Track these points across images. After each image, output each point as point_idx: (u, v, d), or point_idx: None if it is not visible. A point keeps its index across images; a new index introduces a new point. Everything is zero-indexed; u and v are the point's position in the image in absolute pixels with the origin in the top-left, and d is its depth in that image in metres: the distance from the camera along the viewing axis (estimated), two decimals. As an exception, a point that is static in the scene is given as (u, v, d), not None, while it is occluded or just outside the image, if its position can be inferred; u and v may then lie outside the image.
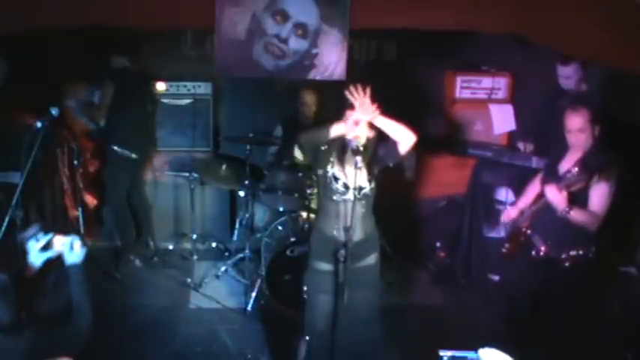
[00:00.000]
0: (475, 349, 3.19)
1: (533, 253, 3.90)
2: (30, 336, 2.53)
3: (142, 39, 5.56)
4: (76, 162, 5.32)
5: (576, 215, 3.64)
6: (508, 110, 5.84)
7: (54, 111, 3.66)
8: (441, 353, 2.69)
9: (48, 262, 2.88)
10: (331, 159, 3.41)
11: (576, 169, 3.63)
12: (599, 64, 4.54)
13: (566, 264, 3.76)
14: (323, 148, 3.39)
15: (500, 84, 5.89)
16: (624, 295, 4.17)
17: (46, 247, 2.86)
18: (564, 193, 3.60)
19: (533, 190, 4.11)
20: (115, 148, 5.38)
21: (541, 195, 3.90)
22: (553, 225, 3.75)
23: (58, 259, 2.87)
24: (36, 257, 2.85)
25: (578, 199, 3.67)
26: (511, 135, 5.87)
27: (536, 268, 3.92)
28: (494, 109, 5.84)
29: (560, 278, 3.82)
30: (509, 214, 4.10)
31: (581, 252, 3.75)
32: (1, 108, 4.99)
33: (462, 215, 5.67)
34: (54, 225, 5.10)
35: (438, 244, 5.88)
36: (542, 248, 3.86)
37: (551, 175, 3.86)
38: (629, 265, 4.23)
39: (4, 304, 2.47)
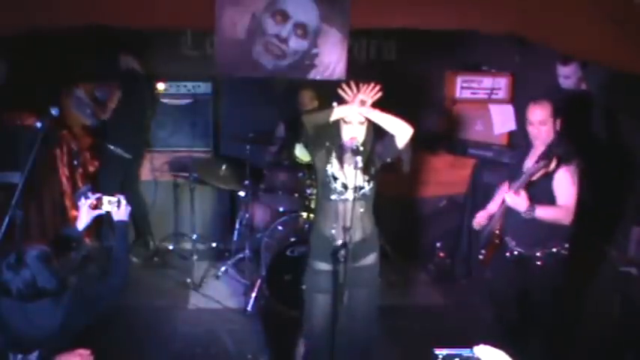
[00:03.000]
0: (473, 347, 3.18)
1: (507, 254, 3.88)
2: (71, 296, 2.76)
3: (142, 39, 5.56)
4: (75, 162, 5.33)
5: (543, 213, 3.61)
6: (508, 110, 5.84)
7: (54, 111, 3.65)
8: (437, 352, 2.68)
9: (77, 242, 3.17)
10: (330, 158, 3.41)
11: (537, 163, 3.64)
12: (598, 64, 4.55)
13: (538, 262, 3.74)
14: (327, 144, 3.38)
15: (500, 84, 5.89)
16: (624, 295, 4.17)
17: (95, 206, 3.14)
18: (522, 193, 3.60)
19: (501, 193, 4.07)
20: (110, 146, 5.41)
21: None
22: (523, 224, 3.72)
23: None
24: (85, 215, 3.13)
25: (543, 195, 3.65)
26: (511, 135, 5.88)
27: (512, 268, 3.90)
28: (494, 109, 5.84)
29: (535, 277, 3.80)
30: (478, 220, 4.08)
31: (554, 249, 3.73)
32: (1, 108, 4.99)
33: (462, 215, 5.66)
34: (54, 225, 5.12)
35: (438, 244, 5.88)
36: (515, 248, 3.85)
37: (516, 176, 3.82)
38: (630, 265, 4.24)
39: (49, 272, 2.67)
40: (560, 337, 3.91)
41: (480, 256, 4.06)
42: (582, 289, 4.29)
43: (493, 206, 4.05)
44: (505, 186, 4.01)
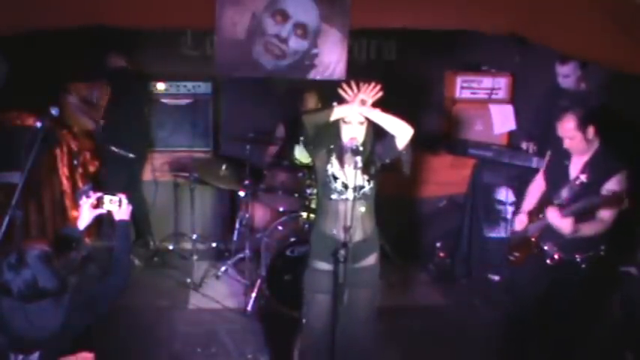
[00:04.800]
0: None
1: (548, 261, 3.85)
2: (71, 297, 2.75)
3: (142, 39, 5.57)
4: (75, 162, 5.33)
5: (586, 229, 3.61)
6: (508, 110, 5.84)
7: (54, 111, 3.65)
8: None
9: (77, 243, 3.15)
10: (330, 158, 3.41)
11: (585, 175, 3.63)
12: (598, 64, 4.55)
13: (583, 265, 3.74)
14: (327, 144, 3.37)
15: (500, 84, 5.89)
16: (624, 295, 4.17)
17: (97, 205, 3.12)
18: (569, 219, 3.57)
19: (536, 190, 4.06)
20: (113, 147, 5.40)
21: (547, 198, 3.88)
22: (563, 235, 3.73)
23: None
24: (87, 214, 3.11)
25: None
26: (511, 135, 5.88)
27: (548, 273, 3.87)
28: (494, 109, 5.84)
29: (576, 279, 3.79)
30: (521, 222, 4.02)
31: (592, 253, 3.74)
32: (1, 108, 4.99)
33: (462, 215, 5.67)
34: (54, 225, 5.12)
35: (438, 244, 5.88)
36: (557, 255, 3.83)
37: (562, 178, 3.81)
38: (630, 265, 4.24)
39: (50, 272, 2.66)
40: (570, 337, 3.91)
41: (511, 258, 4.04)
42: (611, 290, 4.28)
43: (529, 203, 4.04)
44: (538, 183, 4.01)
